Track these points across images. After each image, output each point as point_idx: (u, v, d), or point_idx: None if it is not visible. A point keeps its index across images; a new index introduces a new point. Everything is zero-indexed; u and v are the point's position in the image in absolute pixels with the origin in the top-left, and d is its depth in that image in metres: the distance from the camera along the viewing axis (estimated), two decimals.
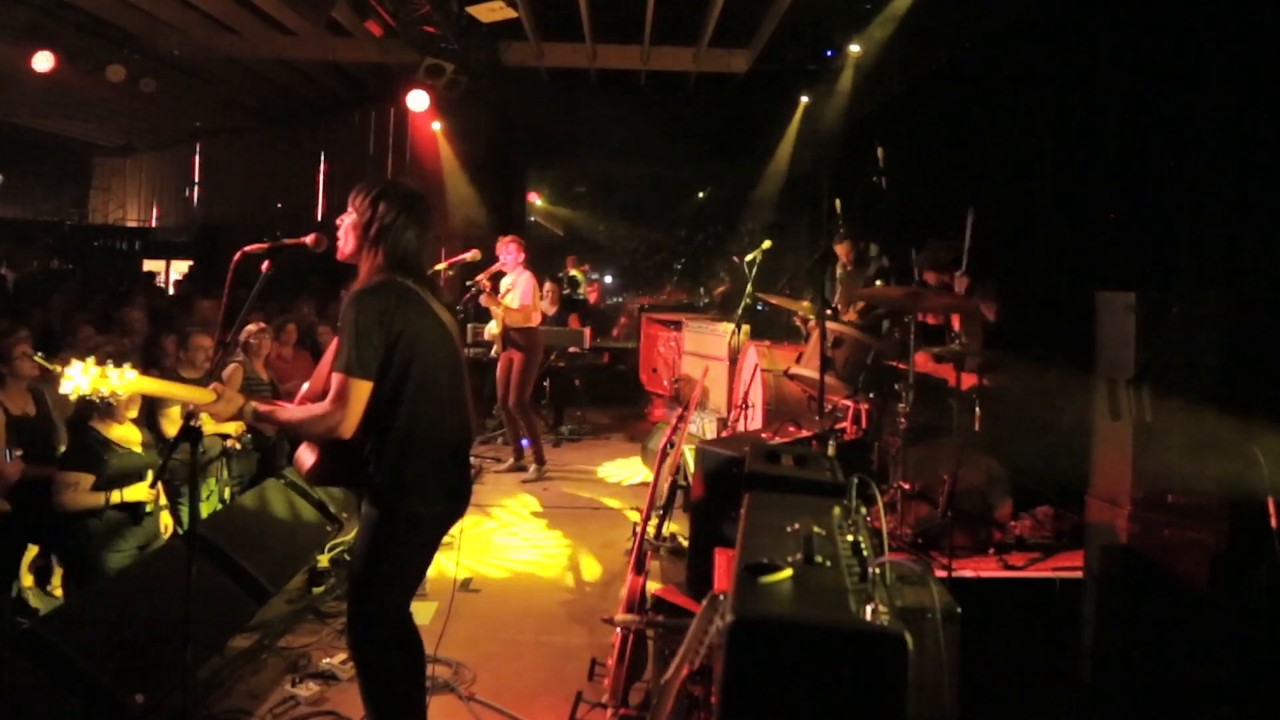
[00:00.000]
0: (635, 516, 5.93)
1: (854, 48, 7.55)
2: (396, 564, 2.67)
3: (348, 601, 2.72)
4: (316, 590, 4.42)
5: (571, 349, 9.26)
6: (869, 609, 1.50)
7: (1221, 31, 4.07)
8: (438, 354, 2.68)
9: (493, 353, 7.12)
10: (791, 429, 4.43)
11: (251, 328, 5.56)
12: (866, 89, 7.96)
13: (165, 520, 4.22)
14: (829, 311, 4.52)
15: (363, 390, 2.48)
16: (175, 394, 2.55)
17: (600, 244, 12.67)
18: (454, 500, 2.77)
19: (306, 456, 2.69)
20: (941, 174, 6.71)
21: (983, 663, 3.04)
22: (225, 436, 5.12)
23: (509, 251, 6.89)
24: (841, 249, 6.37)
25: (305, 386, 2.78)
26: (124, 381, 2.42)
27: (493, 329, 6.92)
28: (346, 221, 2.76)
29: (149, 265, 14.39)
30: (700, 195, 12.43)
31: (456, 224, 10.32)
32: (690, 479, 4.44)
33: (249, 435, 5.28)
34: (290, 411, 2.64)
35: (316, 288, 9.09)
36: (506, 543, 5.43)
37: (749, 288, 5.76)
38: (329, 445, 2.61)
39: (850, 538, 1.94)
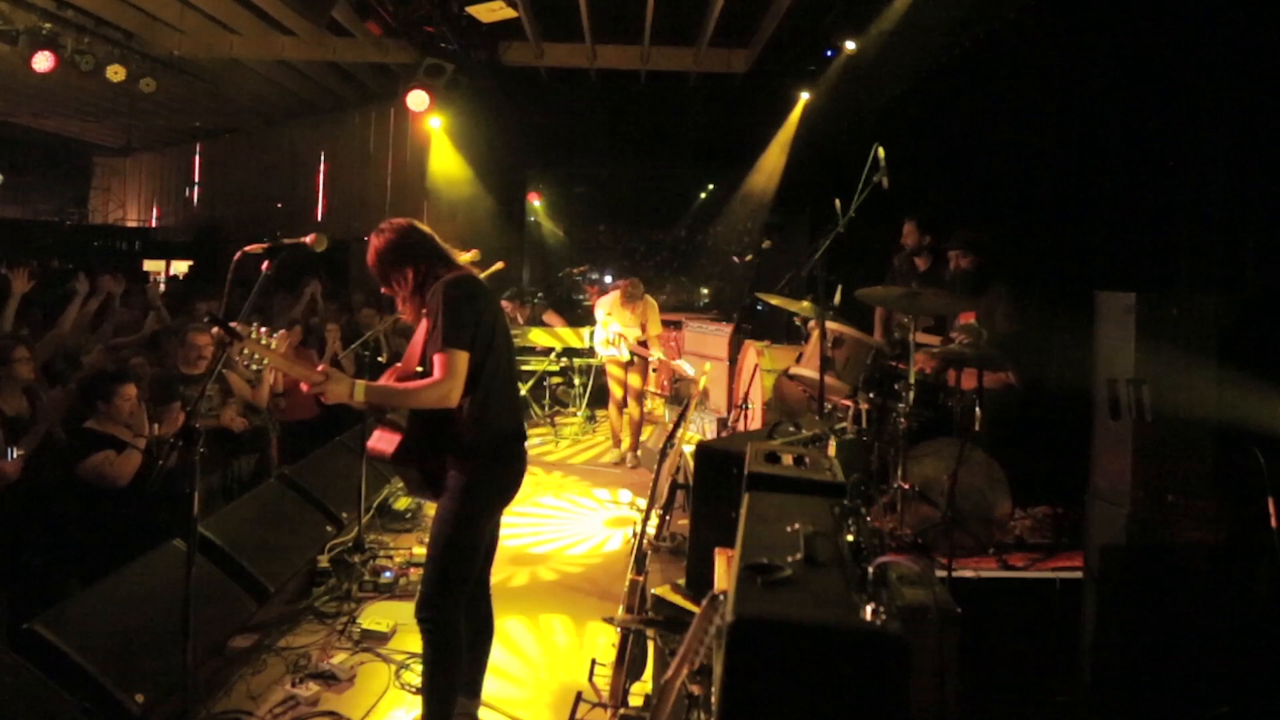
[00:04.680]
0: (635, 516, 5.93)
1: (850, 45, 7.54)
2: (479, 531, 2.92)
3: (430, 571, 2.87)
4: (316, 590, 4.42)
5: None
6: (869, 609, 1.50)
7: (1221, 32, 4.07)
8: (505, 339, 2.99)
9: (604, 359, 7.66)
10: (791, 429, 4.42)
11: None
12: (866, 89, 7.96)
13: None
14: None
15: (463, 360, 2.76)
16: (295, 372, 2.87)
17: (601, 244, 12.67)
18: (520, 472, 3.04)
19: (388, 440, 2.89)
20: (941, 174, 6.71)
21: (983, 663, 3.04)
22: (229, 434, 5.12)
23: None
24: (909, 231, 5.35)
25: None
26: (271, 352, 2.75)
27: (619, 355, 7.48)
28: (388, 286, 3.02)
29: (149, 265, 14.39)
30: (701, 195, 12.41)
31: (456, 225, 10.32)
32: (690, 479, 4.43)
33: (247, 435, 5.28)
34: (401, 386, 2.84)
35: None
36: (506, 542, 5.43)
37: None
38: (415, 426, 2.86)
39: (850, 538, 1.93)
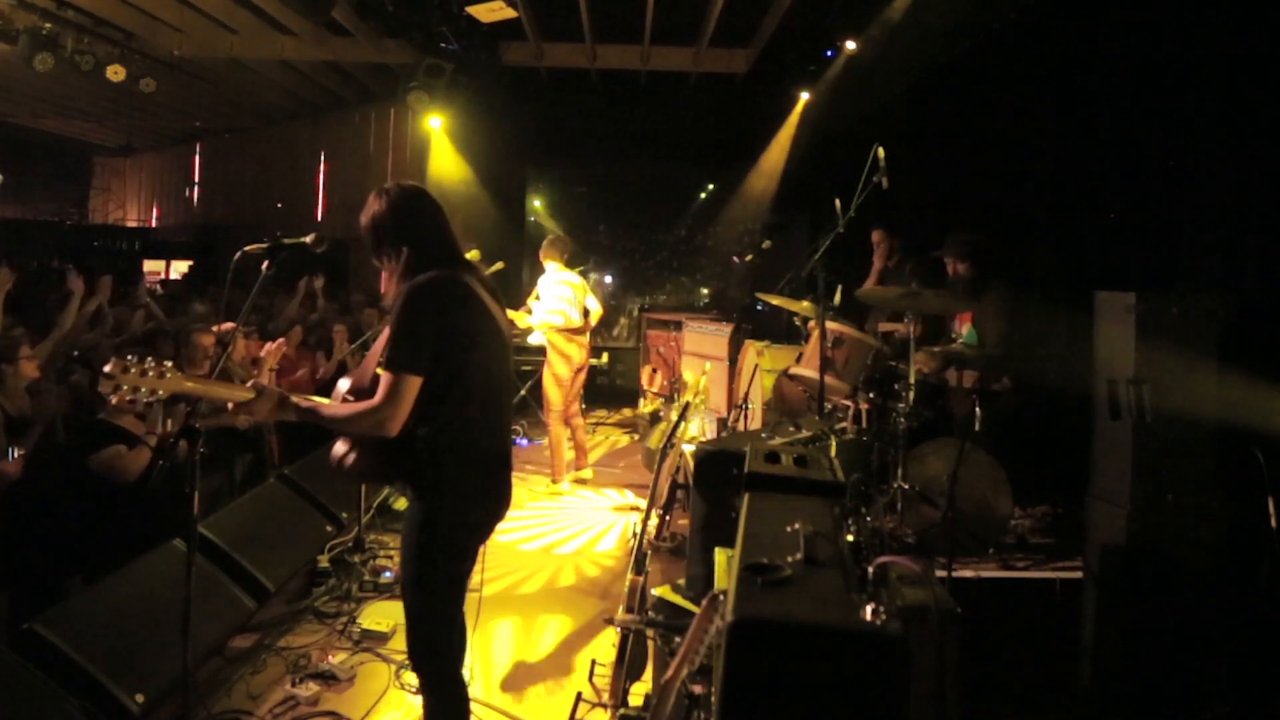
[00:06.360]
0: (635, 516, 5.93)
1: (850, 45, 7.54)
2: (455, 567, 2.62)
3: (410, 623, 2.60)
4: (316, 590, 4.42)
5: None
6: (869, 609, 1.50)
7: (1221, 31, 4.07)
8: (489, 354, 2.61)
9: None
10: (791, 429, 4.42)
11: (226, 325, 5.55)
12: (866, 89, 7.96)
13: None
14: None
15: (411, 386, 2.40)
16: (215, 393, 2.54)
17: (601, 244, 12.66)
18: (498, 503, 2.72)
19: (344, 453, 2.60)
20: (941, 174, 6.71)
21: (983, 663, 3.05)
22: (226, 433, 5.12)
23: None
24: (879, 238, 5.73)
25: (341, 385, 2.72)
26: (166, 381, 2.40)
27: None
28: (378, 259, 2.70)
29: (149, 265, 14.39)
30: (701, 195, 12.41)
31: (456, 225, 10.29)
32: (690, 479, 4.44)
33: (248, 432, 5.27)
34: (334, 408, 2.55)
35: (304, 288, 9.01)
36: (505, 543, 5.43)
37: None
38: (372, 442, 2.54)
39: (850, 538, 1.94)
